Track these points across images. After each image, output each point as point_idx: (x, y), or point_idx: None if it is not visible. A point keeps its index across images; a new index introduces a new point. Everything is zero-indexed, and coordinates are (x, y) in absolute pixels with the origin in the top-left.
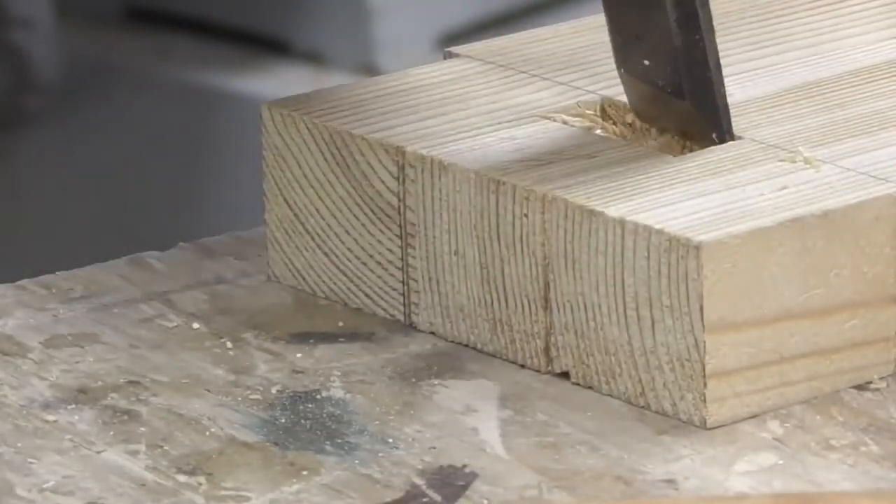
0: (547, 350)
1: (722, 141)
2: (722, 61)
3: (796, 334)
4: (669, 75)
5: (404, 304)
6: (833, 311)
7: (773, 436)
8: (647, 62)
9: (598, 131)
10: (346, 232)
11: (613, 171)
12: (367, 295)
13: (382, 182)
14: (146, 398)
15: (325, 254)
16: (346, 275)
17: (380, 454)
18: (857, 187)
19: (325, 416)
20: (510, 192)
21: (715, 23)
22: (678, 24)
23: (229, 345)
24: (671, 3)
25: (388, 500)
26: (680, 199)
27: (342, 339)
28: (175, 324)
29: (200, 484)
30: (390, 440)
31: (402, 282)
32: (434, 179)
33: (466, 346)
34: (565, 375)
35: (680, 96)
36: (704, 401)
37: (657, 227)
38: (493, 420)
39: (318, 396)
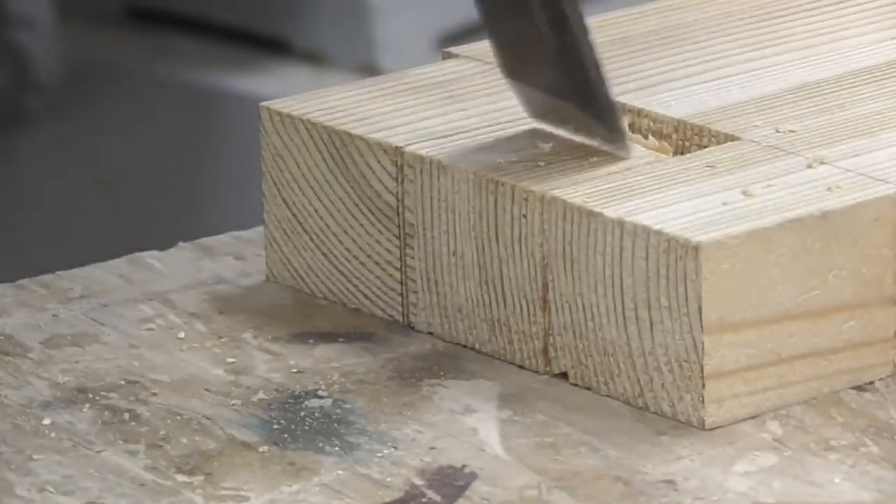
0: (545, 351)
1: (614, 140)
2: (723, 62)
3: (795, 335)
4: (551, 79)
5: (403, 305)
6: (832, 312)
7: (773, 436)
8: (528, 68)
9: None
10: (345, 232)
11: (612, 171)
12: (365, 295)
13: (381, 182)
14: (146, 398)
15: (324, 254)
16: (344, 275)
17: (379, 454)
18: (856, 188)
19: (324, 416)
20: (509, 192)
21: (715, 24)
22: (549, 28)
23: (229, 345)
24: (538, 7)
25: (388, 500)
26: (678, 199)
27: (342, 340)
28: (175, 324)
29: (200, 484)
30: (390, 440)
31: (401, 282)
32: (433, 180)
33: (465, 346)
34: (564, 376)
35: (565, 98)
36: (703, 401)
37: (656, 227)
38: (493, 420)
39: (318, 396)
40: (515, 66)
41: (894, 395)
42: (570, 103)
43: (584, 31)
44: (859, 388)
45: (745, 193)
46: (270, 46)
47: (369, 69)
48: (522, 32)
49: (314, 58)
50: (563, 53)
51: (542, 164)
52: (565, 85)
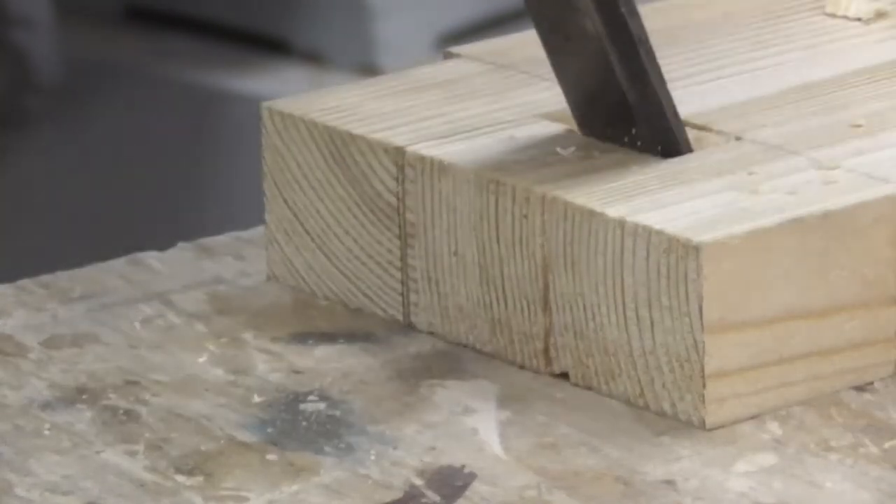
0: (546, 351)
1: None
2: (724, 61)
3: (796, 335)
4: (632, 132)
5: (403, 305)
6: (833, 312)
7: (773, 436)
8: (607, 124)
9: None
10: (346, 232)
11: (613, 171)
12: (366, 295)
13: (382, 182)
14: (145, 398)
15: (325, 254)
16: (345, 275)
17: (379, 454)
18: (858, 188)
19: (324, 416)
20: (510, 192)
21: (717, 24)
22: (627, 80)
23: (229, 345)
24: (616, 61)
25: (388, 500)
26: (680, 199)
27: (341, 340)
28: (175, 324)
29: (200, 485)
30: (389, 440)
31: (402, 282)
32: (434, 180)
33: (465, 346)
34: (564, 376)
35: (646, 151)
36: (704, 401)
37: (657, 227)
38: (493, 421)
39: (317, 397)
40: (593, 123)
41: (894, 396)
42: (650, 153)
43: (660, 79)
44: (859, 389)
45: (751, 192)
46: (270, 46)
47: (369, 69)
48: (599, 87)
49: (314, 58)
50: (643, 103)
51: (542, 164)
52: (647, 137)
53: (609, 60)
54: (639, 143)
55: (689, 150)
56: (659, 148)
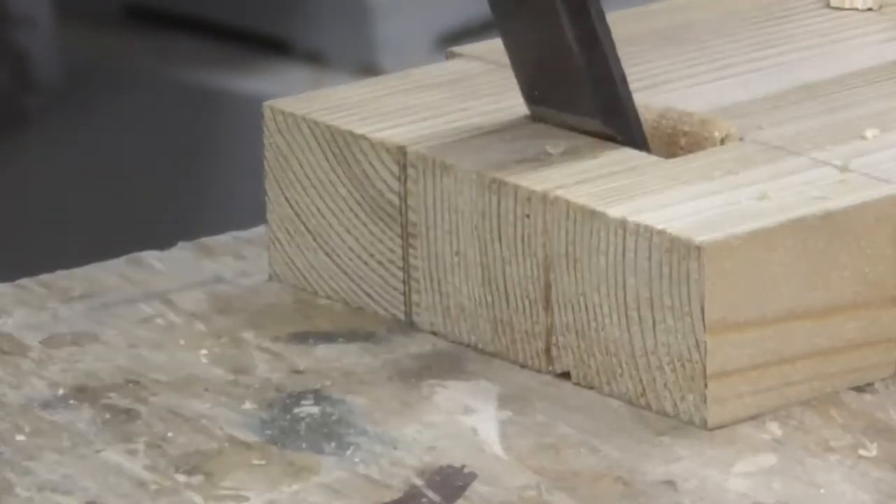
0: (548, 350)
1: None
2: (724, 61)
3: (797, 335)
4: (577, 95)
5: (405, 304)
6: (834, 312)
7: (773, 437)
8: (553, 88)
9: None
10: (348, 231)
11: (615, 171)
12: (368, 294)
13: (384, 182)
14: (145, 398)
15: (327, 253)
16: (347, 274)
17: (379, 454)
18: (859, 188)
19: (324, 416)
20: (511, 192)
21: (718, 24)
22: (577, 42)
23: (229, 345)
24: (567, 23)
25: (388, 500)
26: (681, 199)
27: (342, 339)
28: (175, 324)
29: (199, 484)
30: (389, 440)
31: (404, 282)
32: (436, 180)
33: (467, 346)
34: (566, 376)
35: (591, 115)
36: (705, 401)
37: (658, 227)
38: (493, 421)
39: (318, 396)
40: (540, 88)
41: (894, 396)
42: (596, 119)
43: (611, 44)
44: (859, 389)
45: (752, 192)
46: (270, 46)
47: (369, 69)
48: (547, 50)
49: (314, 58)
50: (592, 67)
51: (544, 163)
52: (591, 100)
53: (560, 23)
54: (584, 109)
55: (637, 121)
56: (603, 114)
